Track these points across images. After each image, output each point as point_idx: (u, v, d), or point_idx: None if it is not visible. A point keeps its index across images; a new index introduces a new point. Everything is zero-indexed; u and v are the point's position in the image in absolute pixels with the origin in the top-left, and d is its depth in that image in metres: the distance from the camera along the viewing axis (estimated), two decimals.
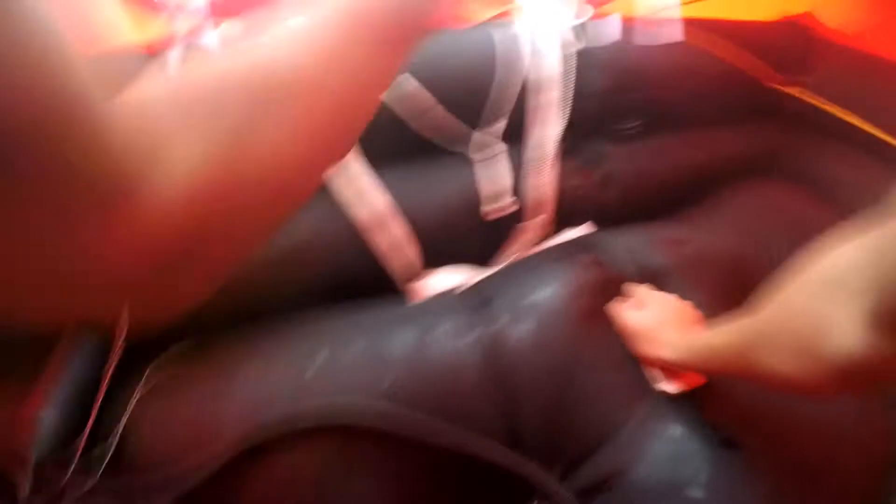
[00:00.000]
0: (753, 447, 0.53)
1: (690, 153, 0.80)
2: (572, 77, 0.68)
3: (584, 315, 0.60)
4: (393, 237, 0.62)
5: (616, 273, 0.64)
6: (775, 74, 0.82)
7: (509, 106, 0.66)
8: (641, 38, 0.69)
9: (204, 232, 0.22)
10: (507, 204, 0.67)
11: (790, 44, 0.84)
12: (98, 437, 0.46)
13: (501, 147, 0.67)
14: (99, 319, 0.24)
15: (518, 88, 0.66)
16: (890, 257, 0.31)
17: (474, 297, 0.61)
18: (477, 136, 0.66)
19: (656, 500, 0.53)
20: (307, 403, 0.49)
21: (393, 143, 0.63)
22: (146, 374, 0.51)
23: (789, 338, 0.37)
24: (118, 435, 0.47)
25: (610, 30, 0.69)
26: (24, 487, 0.36)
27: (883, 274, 0.31)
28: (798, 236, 0.75)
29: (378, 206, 0.60)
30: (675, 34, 0.70)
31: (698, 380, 0.57)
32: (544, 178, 0.69)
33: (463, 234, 0.66)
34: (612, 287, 0.62)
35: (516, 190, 0.68)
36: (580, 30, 0.69)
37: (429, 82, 0.61)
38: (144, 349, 0.52)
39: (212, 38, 0.54)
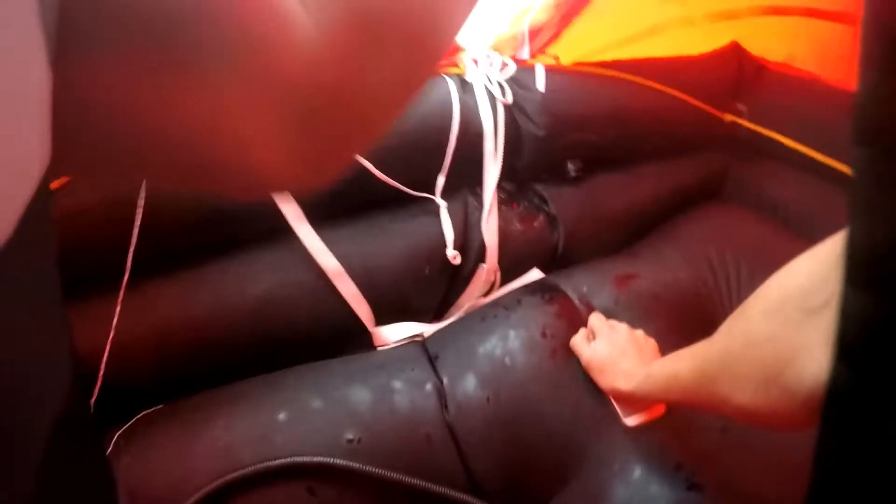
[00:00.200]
0: (715, 489, 0.52)
1: (637, 188, 0.81)
2: (502, 129, 0.71)
3: (535, 360, 0.60)
4: (350, 291, 0.63)
5: (568, 312, 0.65)
6: (710, 105, 0.85)
7: (445, 162, 0.68)
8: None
9: (343, 84, 0.21)
10: (451, 255, 0.68)
11: (722, 74, 0.87)
12: None
13: (441, 203, 0.69)
14: (256, 187, 0.23)
15: (452, 146, 0.68)
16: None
17: (425, 353, 0.62)
18: (417, 193, 0.68)
19: None
20: (275, 452, 0.50)
21: (337, 204, 0.65)
22: (115, 438, 0.51)
23: (750, 367, 0.34)
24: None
25: (535, 81, 0.72)
26: None
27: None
28: (752, 256, 0.76)
29: (331, 267, 0.62)
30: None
31: (659, 410, 0.57)
32: (487, 227, 0.70)
33: (413, 288, 0.67)
34: (564, 319, 0.63)
35: (462, 241, 0.69)
36: (507, 84, 0.72)
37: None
38: (113, 414, 0.53)
39: None
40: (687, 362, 0.42)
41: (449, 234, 0.68)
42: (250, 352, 0.61)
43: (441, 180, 0.69)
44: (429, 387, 0.57)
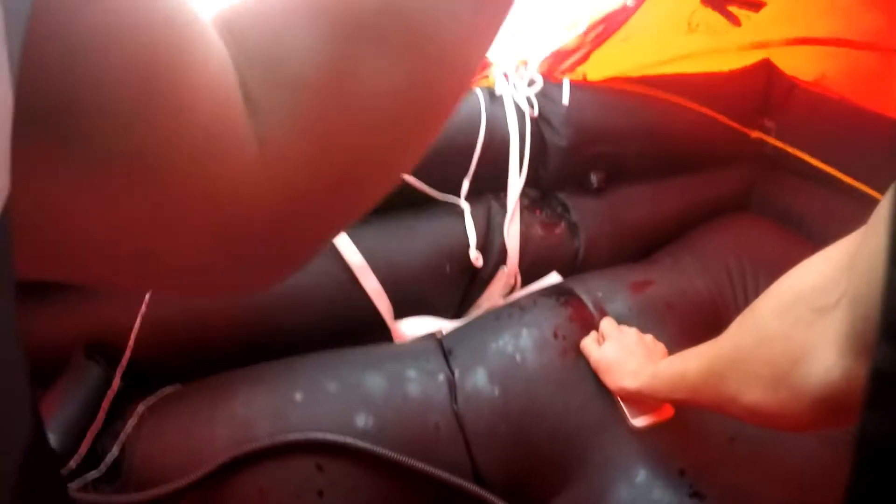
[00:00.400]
0: (717, 499, 0.53)
1: (660, 201, 0.83)
2: (528, 139, 0.74)
3: (546, 359, 0.62)
4: (373, 286, 0.68)
5: (581, 315, 0.67)
6: (738, 121, 0.86)
7: (471, 168, 0.73)
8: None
9: (306, 195, 0.19)
10: (474, 257, 0.72)
11: (750, 91, 0.88)
12: (92, 460, 0.52)
13: (465, 205, 0.73)
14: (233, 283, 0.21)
15: (478, 153, 0.72)
16: (862, 262, 0.25)
17: (440, 347, 0.64)
18: (443, 195, 0.72)
19: None
20: (290, 429, 0.53)
21: None
22: (138, 408, 0.56)
23: (759, 366, 0.33)
24: (114, 455, 0.52)
25: (562, 94, 0.75)
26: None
27: (856, 281, 0.26)
28: (772, 267, 0.77)
29: (355, 262, 0.66)
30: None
31: (667, 412, 0.57)
32: (509, 232, 0.74)
33: (433, 285, 0.71)
34: (577, 322, 0.65)
35: (483, 243, 0.73)
36: (535, 97, 0.76)
37: None
38: (138, 388, 0.58)
39: None
40: (695, 361, 0.42)
41: (472, 236, 0.72)
42: (273, 339, 0.64)
43: (466, 184, 0.73)
44: (441, 378, 0.59)
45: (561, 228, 0.77)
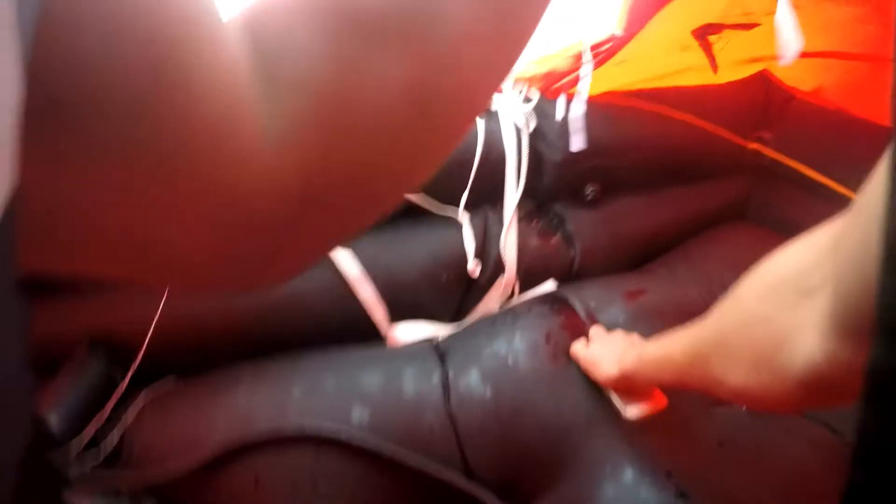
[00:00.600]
0: (703, 497, 0.54)
1: (656, 212, 0.85)
2: (525, 153, 0.77)
3: (537, 361, 0.64)
4: (368, 295, 0.71)
5: (573, 323, 0.69)
6: (734, 132, 0.87)
7: (469, 181, 0.76)
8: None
9: (321, 182, 0.19)
10: (472, 268, 0.75)
11: (747, 102, 0.89)
12: (96, 442, 0.55)
13: (464, 215, 0.76)
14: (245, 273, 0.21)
15: (475, 168, 0.75)
16: (848, 246, 0.25)
17: (435, 350, 0.67)
18: (441, 206, 0.76)
19: None
20: (289, 419, 0.56)
21: None
22: (141, 394, 0.59)
23: (743, 348, 0.34)
24: (113, 443, 0.55)
25: (556, 110, 0.78)
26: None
27: (840, 265, 0.26)
28: None
29: (351, 272, 0.70)
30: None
31: (660, 402, 0.58)
32: (507, 244, 0.76)
33: (430, 294, 0.74)
34: (568, 330, 0.67)
35: (481, 253, 0.76)
36: (531, 111, 0.79)
37: None
38: (141, 377, 0.61)
39: None
40: (680, 343, 0.43)
41: (470, 248, 0.75)
42: (270, 343, 0.67)
43: (464, 197, 0.77)
44: (435, 378, 0.62)
45: (556, 239, 0.80)
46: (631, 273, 0.80)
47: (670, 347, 0.45)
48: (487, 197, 0.78)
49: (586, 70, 0.76)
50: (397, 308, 0.72)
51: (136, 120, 0.15)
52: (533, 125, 0.78)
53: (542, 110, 0.80)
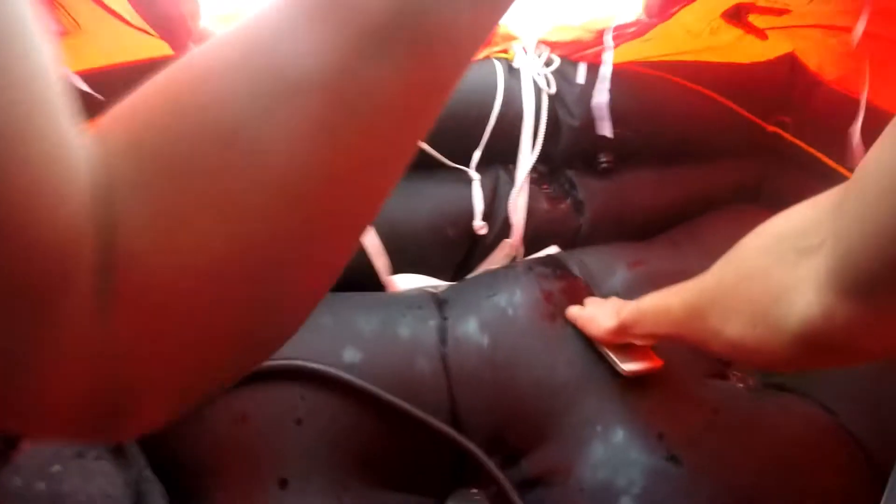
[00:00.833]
0: (694, 465, 0.54)
1: (668, 187, 0.84)
2: (544, 115, 0.76)
3: (537, 317, 0.64)
4: (372, 243, 0.71)
5: (573, 287, 0.69)
6: (755, 113, 0.86)
7: (483, 138, 0.75)
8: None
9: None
10: (478, 226, 0.74)
11: (772, 84, 0.87)
12: None
13: (475, 175, 0.75)
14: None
15: (491, 124, 0.74)
16: (849, 205, 0.26)
17: (434, 298, 0.67)
18: (453, 164, 0.75)
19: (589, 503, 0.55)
20: (279, 356, 0.54)
21: None
22: None
23: (741, 301, 0.34)
24: None
25: (577, 75, 0.77)
26: None
27: (842, 223, 0.27)
28: None
29: None
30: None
31: (656, 361, 0.58)
32: (516, 204, 0.76)
33: (434, 248, 0.74)
34: (567, 295, 0.67)
35: (489, 212, 0.76)
36: (551, 75, 0.78)
37: None
38: None
39: None
40: (679, 296, 0.44)
41: (479, 207, 0.74)
42: None
43: (477, 154, 0.76)
44: (432, 322, 0.62)
45: (566, 204, 0.79)
46: (635, 243, 0.79)
47: (669, 299, 0.45)
48: (500, 157, 0.77)
49: (608, 56, 0.74)
50: (400, 259, 0.71)
51: None
52: (553, 89, 0.76)
53: (563, 74, 0.78)
